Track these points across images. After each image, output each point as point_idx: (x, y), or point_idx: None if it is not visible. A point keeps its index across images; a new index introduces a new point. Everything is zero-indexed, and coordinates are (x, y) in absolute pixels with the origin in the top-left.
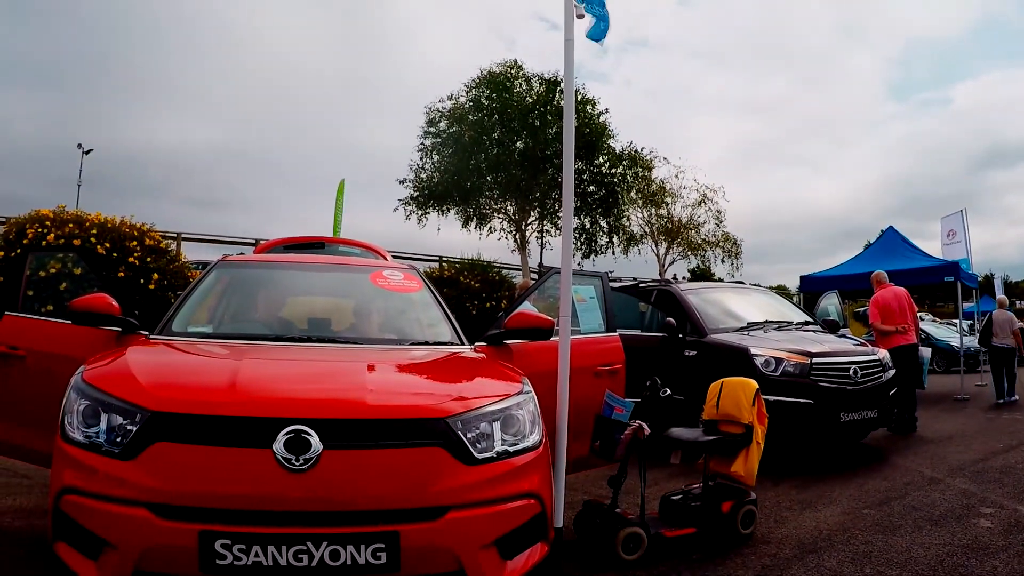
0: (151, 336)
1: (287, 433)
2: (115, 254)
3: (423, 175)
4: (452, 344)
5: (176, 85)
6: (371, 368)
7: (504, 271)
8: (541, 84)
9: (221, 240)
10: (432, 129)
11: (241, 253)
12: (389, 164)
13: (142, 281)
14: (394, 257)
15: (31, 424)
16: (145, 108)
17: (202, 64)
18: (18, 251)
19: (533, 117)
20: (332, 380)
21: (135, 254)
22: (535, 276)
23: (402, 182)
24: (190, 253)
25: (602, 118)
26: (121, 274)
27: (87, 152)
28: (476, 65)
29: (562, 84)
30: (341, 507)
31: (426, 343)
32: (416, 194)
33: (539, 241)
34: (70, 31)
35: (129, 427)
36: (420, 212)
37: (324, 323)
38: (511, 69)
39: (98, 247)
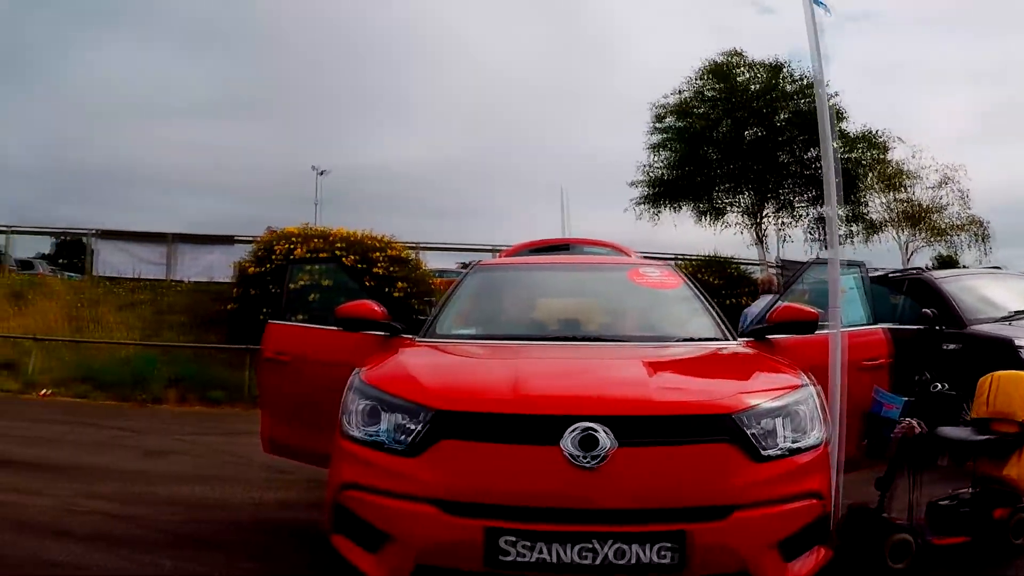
0: (417, 339)
1: (575, 430)
2: (361, 265)
3: (652, 173)
4: (719, 339)
5: (399, 104)
6: (647, 364)
7: (742, 266)
8: (765, 70)
9: (459, 248)
10: (659, 125)
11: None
12: (614, 167)
13: (387, 289)
14: None
15: (299, 426)
16: (372, 128)
17: (422, 81)
18: (267, 266)
19: (760, 104)
20: (614, 377)
21: (380, 264)
22: (774, 272)
23: (632, 184)
24: (431, 262)
25: (832, 100)
26: (368, 283)
27: (322, 173)
28: (690, 60)
29: (785, 68)
30: (629, 504)
31: (691, 339)
32: (648, 192)
33: (778, 234)
34: (294, 63)
35: (413, 426)
36: (653, 210)
37: (586, 322)
38: (732, 58)
39: (343, 259)
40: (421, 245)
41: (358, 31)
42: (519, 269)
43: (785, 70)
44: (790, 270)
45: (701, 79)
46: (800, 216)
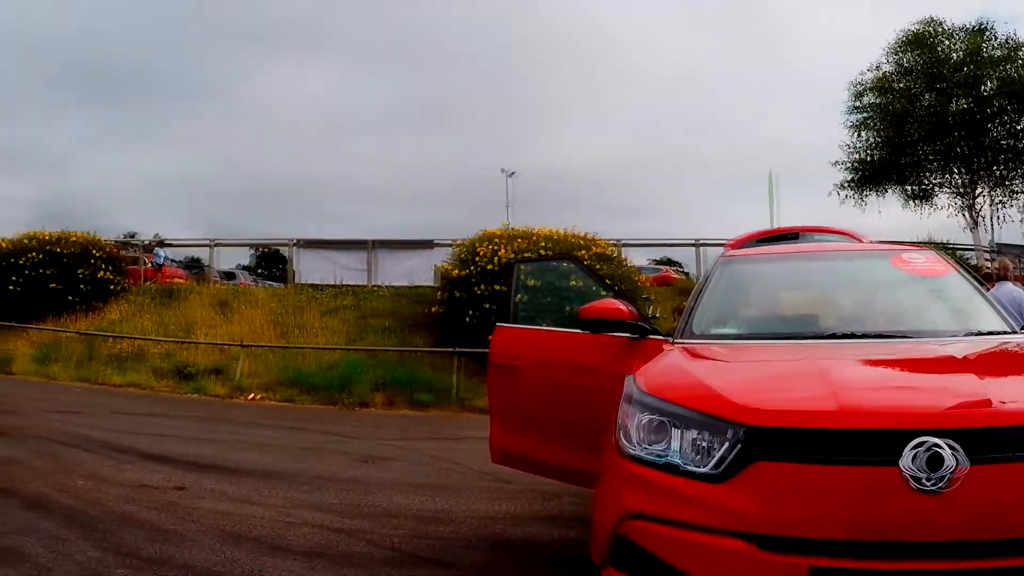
0: (675, 340)
1: (918, 447)
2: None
3: (854, 155)
4: (1006, 332)
5: (583, 104)
6: (967, 364)
7: (957, 252)
8: (966, 36)
9: (661, 244)
10: (858, 104)
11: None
12: (810, 150)
13: (594, 288)
14: None
15: (535, 436)
16: (557, 129)
17: (598, 80)
18: (471, 269)
19: (964, 74)
20: (939, 382)
21: (585, 262)
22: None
23: (835, 164)
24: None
25: None
26: (573, 283)
27: (511, 175)
28: (878, 32)
29: (988, 31)
30: (985, 535)
31: (978, 333)
32: (851, 176)
33: (994, 215)
34: (472, 72)
35: (718, 445)
36: (857, 195)
37: (864, 317)
38: (929, 27)
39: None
40: (623, 242)
41: (537, 36)
42: (772, 260)
43: (988, 33)
44: (1007, 255)
45: (899, 51)
46: (1017, 193)
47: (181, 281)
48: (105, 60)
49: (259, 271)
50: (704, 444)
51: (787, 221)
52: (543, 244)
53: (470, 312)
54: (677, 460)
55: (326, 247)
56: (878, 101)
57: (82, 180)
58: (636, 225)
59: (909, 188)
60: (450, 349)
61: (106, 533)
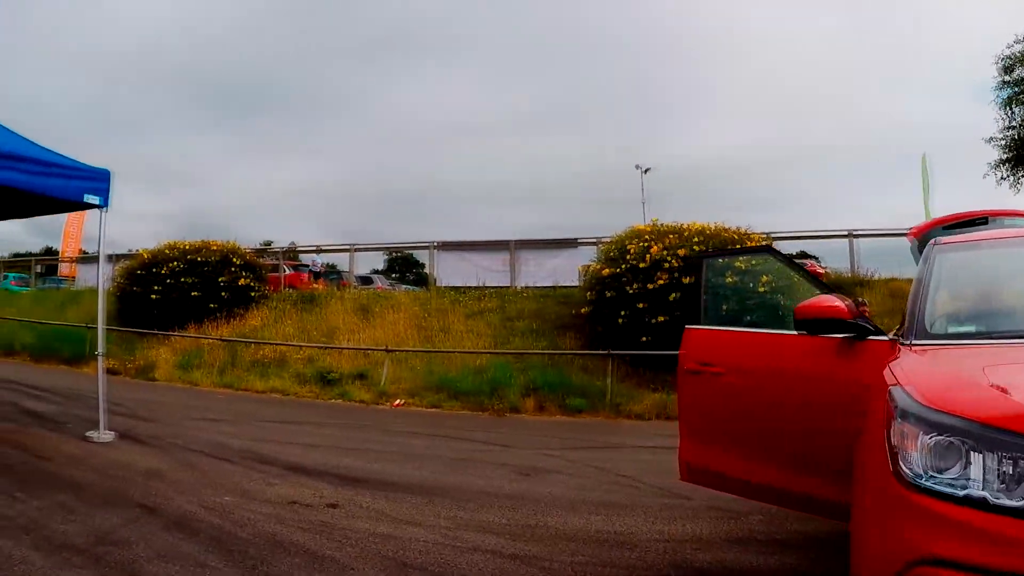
0: (910, 342)
1: None
2: None
3: (1010, 132)
4: None
5: (710, 97)
6: None
7: None
8: None
9: (809, 236)
10: (1007, 78)
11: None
12: (963, 130)
13: (751, 285)
14: None
15: (736, 452)
16: (686, 125)
17: (729, 74)
18: (621, 267)
19: None
20: None
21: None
22: None
23: (989, 140)
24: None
25: None
26: (728, 280)
27: (646, 171)
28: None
29: None
30: None
31: None
32: (1006, 155)
33: None
34: (597, 73)
35: None
36: (1015, 175)
37: None
38: None
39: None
40: (773, 235)
41: (663, 30)
42: (1004, 247)
43: None
44: None
45: None
46: None
47: (318, 287)
48: (239, 77)
49: (393, 275)
50: (1018, 472)
51: (940, 207)
52: (695, 240)
53: (622, 312)
54: (983, 492)
55: (466, 249)
56: None
57: (220, 194)
58: (777, 218)
59: None
60: (603, 351)
61: (257, 560)
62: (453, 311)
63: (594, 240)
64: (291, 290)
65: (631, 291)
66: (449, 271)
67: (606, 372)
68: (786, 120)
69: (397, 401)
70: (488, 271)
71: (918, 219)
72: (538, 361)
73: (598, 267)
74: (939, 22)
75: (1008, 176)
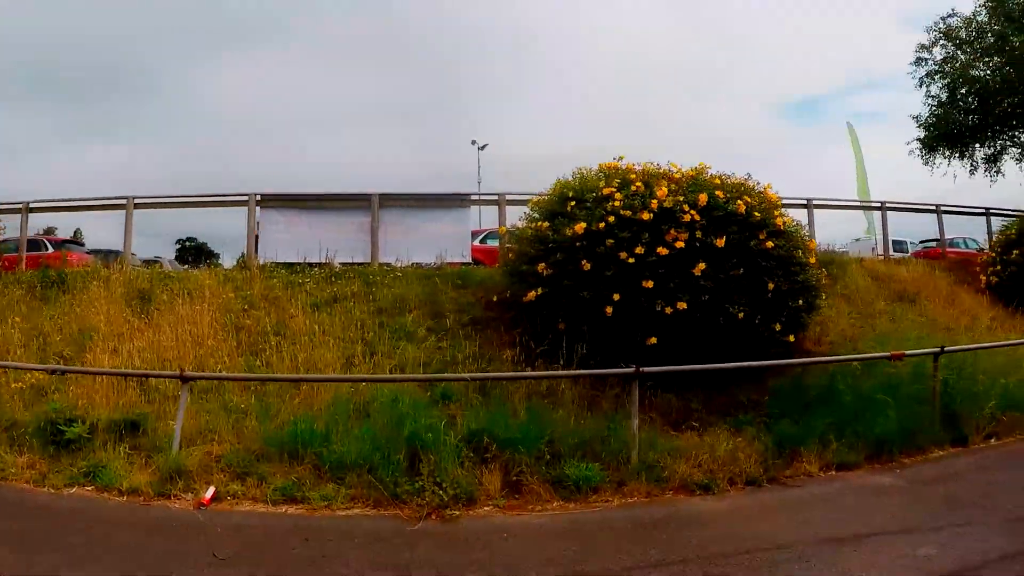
0: None
1: None
2: None
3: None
4: None
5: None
6: None
7: None
8: None
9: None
10: (926, 56)
11: None
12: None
13: None
14: None
15: None
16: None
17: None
18: (602, 224)
19: None
20: None
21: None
22: None
23: (915, 118)
24: None
25: None
26: None
27: (483, 148)
28: None
29: None
30: None
31: None
32: (923, 135)
33: None
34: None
35: None
36: (929, 155)
37: None
38: None
39: None
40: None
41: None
42: None
43: None
44: None
45: None
46: None
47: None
48: (53, 57)
49: (187, 264)
50: None
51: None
52: (715, 186)
53: (614, 298)
54: None
55: (305, 206)
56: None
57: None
58: None
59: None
60: (625, 369)
61: None
62: (290, 300)
63: (493, 196)
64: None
65: (624, 260)
66: (277, 240)
67: (619, 406)
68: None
69: (207, 493)
70: (339, 241)
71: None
72: (466, 390)
73: (547, 226)
74: None
75: (920, 154)
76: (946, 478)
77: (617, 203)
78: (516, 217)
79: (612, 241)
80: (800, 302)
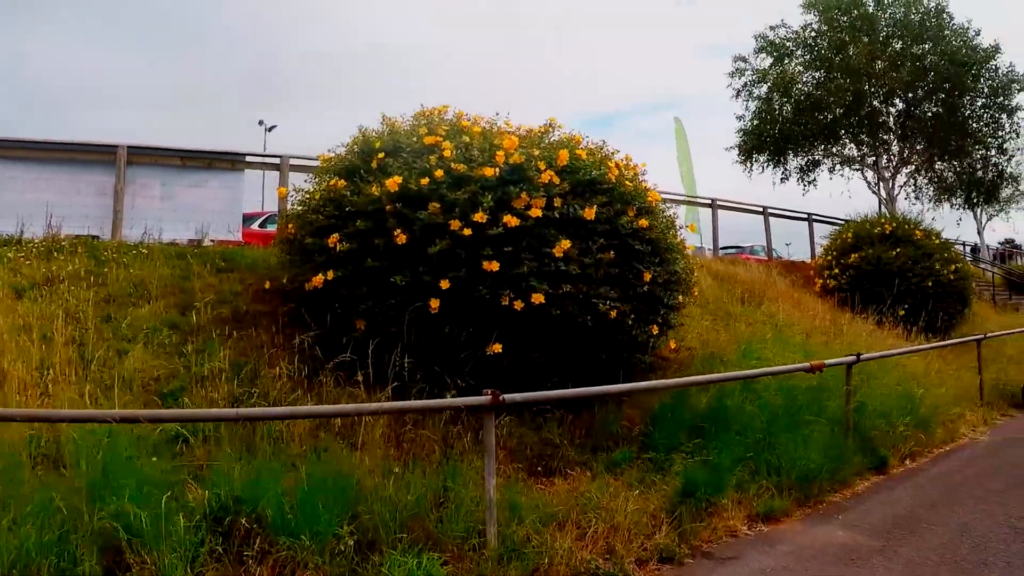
0: None
1: None
2: None
3: (743, 121)
4: None
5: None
6: None
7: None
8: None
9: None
10: (742, 66)
11: None
12: None
13: None
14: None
15: None
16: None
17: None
18: (414, 184)
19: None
20: None
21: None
22: None
23: (740, 119)
24: None
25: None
26: None
27: (270, 129)
28: None
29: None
30: None
31: None
32: (740, 141)
33: (911, 193)
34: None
35: None
36: (746, 162)
37: None
38: None
39: None
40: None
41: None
42: None
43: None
44: None
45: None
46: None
47: None
48: None
49: None
50: None
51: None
52: (576, 144)
53: (441, 284)
54: None
55: (26, 156)
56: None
57: None
58: None
59: (792, 159)
60: (475, 399)
61: None
62: None
63: (275, 159)
64: None
65: (458, 231)
66: None
67: (455, 445)
68: None
69: None
70: (70, 205)
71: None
72: (229, 431)
73: (344, 185)
74: None
75: (740, 161)
76: (902, 523)
77: (447, 153)
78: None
79: (439, 205)
80: (679, 298)
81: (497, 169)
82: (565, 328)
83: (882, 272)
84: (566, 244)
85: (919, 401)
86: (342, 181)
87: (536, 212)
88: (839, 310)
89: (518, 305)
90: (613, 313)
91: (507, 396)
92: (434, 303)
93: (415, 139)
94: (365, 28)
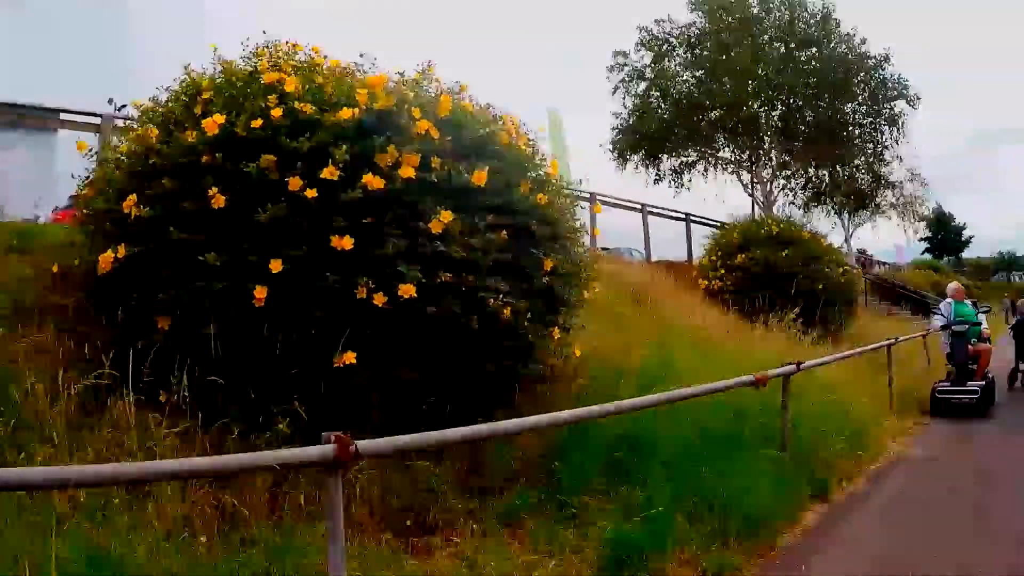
0: None
1: None
2: None
3: (619, 119)
4: None
5: None
6: None
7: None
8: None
9: None
10: (621, 62)
11: None
12: None
13: None
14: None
15: None
16: None
17: None
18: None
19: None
20: None
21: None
22: None
23: (617, 116)
24: None
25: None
26: None
27: (120, 108)
28: None
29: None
30: None
31: None
32: (618, 137)
33: (787, 197)
34: None
35: None
36: (620, 157)
37: None
38: None
39: None
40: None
41: None
42: None
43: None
44: None
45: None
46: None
47: None
48: None
49: None
50: None
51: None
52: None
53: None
54: None
55: None
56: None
57: None
58: None
59: (671, 161)
60: (314, 451)
61: None
62: None
63: (94, 119)
64: None
65: (299, 194)
66: None
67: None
68: None
69: None
70: None
71: None
72: None
73: (157, 135)
74: None
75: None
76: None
77: (291, 88)
78: None
79: (275, 157)
80: (584, 293)
81: (357, 111)
82: (444, 331)
83: (772, 273)
84: (447, 217)
85: (849, 414)
86: (155, 130)
87: (408, 172)
88: (728, 312)
89: (379, 299)
90: (506, 312)
91: (363, 444)
92: (260, 292)
93: (253, 79)
94: None
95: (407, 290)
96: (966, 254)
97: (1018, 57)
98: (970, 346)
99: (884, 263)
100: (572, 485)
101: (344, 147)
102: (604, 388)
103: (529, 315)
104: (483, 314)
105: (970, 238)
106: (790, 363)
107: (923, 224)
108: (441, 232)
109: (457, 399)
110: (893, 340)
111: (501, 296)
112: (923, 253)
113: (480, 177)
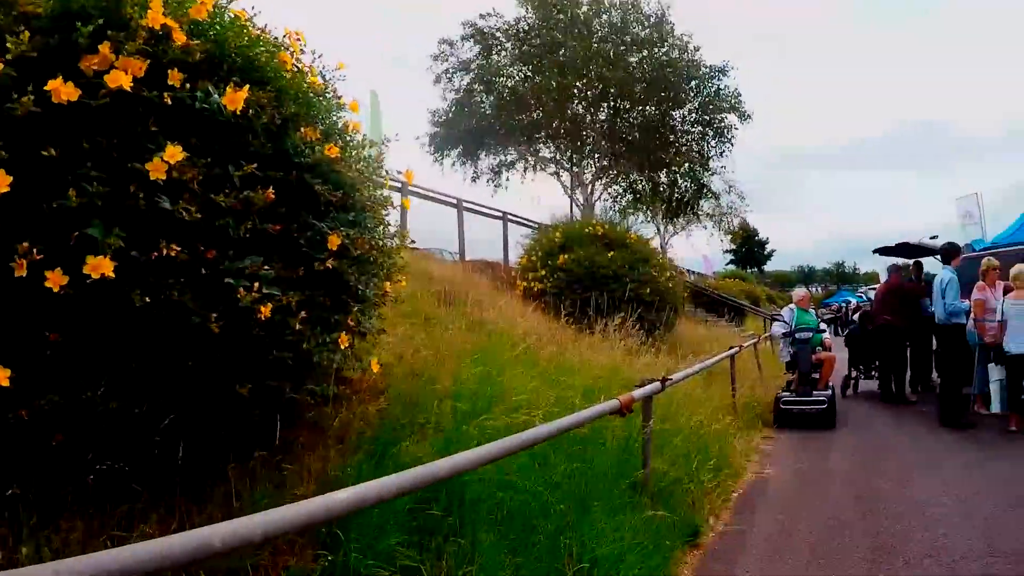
0: None
1: None
2: None
3: (440, 113)
4: None
5: None
6: None
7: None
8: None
9: None
10: (444, 52)
11: None
12: None
13: None
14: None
15: None
16: None
17: None
18: None
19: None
20: None
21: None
22: None
23: (434, 112)
24: None
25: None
26: None
27: None
28: None
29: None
30: None
31: None
32: (436, 131)
33: (608, 200)
34: None
35: None
36: (439, 153)
37: None
38: None
39: None
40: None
41: None
42: None
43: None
44: None
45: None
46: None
47: None
48: None
49: None
50: None
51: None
52: (223, 13)
53: None
54: None
55: None
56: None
57: None
58: None
59: (489, 159)
60: None
61: None
62: None
63: None
64: None
65: None
66: None
67: None
68: None
69: None
70: None
71: None
72: None
73: None
74: None
75: (431, 152)
76: None
77: None
78: None
79: None
80: (387, 286)
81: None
82: (165, 335)
83: (596, 276)
84: (175, 155)
85: (709, 436)
86: None
87: (121, 79)
88: (549, 316)
89: (56, 280)
90: (266, 308)
91: None
92: None
93: None
94: None
95: (99, 266)
96: (768, 267)
97: (826, 86)
98: (814, 355)
99: (693, 272)
100: (362, 558)
101: (27, 35)
102: (413, 413)
103: (304, 313)
104: (231, 309)
105: (772, 252)
106: (652, 379)
107: (728, 237)
108: (165, 180)
109: (195, 438)
110: (737, 348)
111: (258, 285)
112: (727, 264)
113: (235, 99)
